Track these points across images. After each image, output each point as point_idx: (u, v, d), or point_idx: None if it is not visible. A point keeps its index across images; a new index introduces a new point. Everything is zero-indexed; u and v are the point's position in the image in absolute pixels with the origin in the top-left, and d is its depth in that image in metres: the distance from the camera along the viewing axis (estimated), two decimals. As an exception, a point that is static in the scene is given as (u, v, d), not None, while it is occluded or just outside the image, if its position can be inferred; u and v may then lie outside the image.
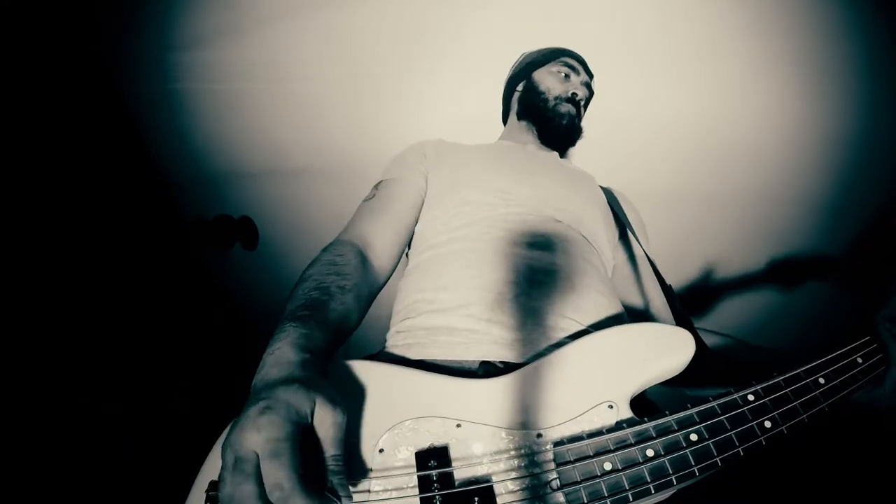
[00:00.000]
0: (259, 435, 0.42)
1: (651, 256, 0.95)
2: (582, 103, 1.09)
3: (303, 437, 0.45)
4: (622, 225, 0.98)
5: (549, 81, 1.09)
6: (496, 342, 0.65)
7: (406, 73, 1.47)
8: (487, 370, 0.63)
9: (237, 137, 1.70)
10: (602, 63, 1.20)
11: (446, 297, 0.71)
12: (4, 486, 1.20)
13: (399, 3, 1.37)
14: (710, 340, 0.77)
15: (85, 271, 1.54)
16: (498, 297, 0.69)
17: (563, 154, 1.11)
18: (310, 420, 0.46)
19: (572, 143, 1.12)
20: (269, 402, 0.44)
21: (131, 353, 1.63)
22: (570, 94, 1.06)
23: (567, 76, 1.10)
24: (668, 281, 0.85)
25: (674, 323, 0.80)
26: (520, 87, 1.15)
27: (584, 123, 1.12)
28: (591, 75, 1.15)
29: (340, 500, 0.46)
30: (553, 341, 0.65)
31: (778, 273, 1.56)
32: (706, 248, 1.59)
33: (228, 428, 0.46)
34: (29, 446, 1.29)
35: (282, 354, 0.51)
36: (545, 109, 1.07)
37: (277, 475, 0.41)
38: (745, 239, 1.55)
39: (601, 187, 1.05)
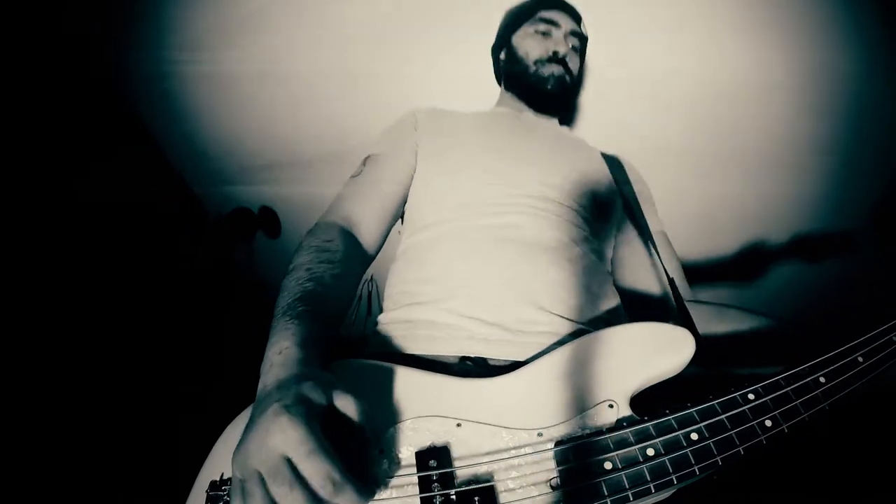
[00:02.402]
0: (285, 435, 0.41)
1: (662, 231, 0.92)
2: (568, 58, 0.99)
3: (328, 430, 0.44)
4: (626, 198, 0.93)
5: (528, 45, 1.01)
6: (472, 337, 0.65)
7: (405, 47, 1.41)
8: (463, 367, 0.62)
9: (242, 134, 1.69)
10: (601, 21, 1.15)
11: (428, 290, 0.71)
12: (8, 485, 1.20)
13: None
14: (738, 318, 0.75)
15: (100, 271, 1.55)
16: (477, 291, 0.68)
17: (563, 118, 1.05)
18: (329, 411, 0.46)
19: (565, 105, 1.06)
20: (285, 400, 0.43)
21: (136, 353, 1.63)
22: (550, 54, 0.98)
23: (546, 33, 1.00)
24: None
25: (674, 303, 0.78)
26: (502, 56, 1.09)
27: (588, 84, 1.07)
28: (578, 18, 1.05)
29: (386, 483, 0.46)
30: (532, 337, 0.65)
31: (801, 246, 1.54)
32: (726, 211, 1.56)
33: (242, 431, 0.45)
34: (34, 445, 1.29)
35: (289, 355, 0.51)
36: (526, 76, 0.99)
37: (324, 469, 0.40)
38: (763, 196, 1.51)
39: (607, 155, 0.99)
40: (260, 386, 0.50)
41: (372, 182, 0.84)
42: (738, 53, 1.29)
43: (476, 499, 0.47)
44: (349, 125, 1.57)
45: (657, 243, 0.88)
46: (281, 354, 0.51)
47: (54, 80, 1.44)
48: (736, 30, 1.27)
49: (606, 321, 0.73)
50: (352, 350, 0.73)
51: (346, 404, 0.46)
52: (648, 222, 0.91)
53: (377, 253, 0.83)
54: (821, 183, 1.48)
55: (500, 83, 1.14)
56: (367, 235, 0.79)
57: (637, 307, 0.89)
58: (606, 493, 0.47)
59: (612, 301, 0.77)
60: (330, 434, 0.44)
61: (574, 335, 0.66)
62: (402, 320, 0.71)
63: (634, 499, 0.47)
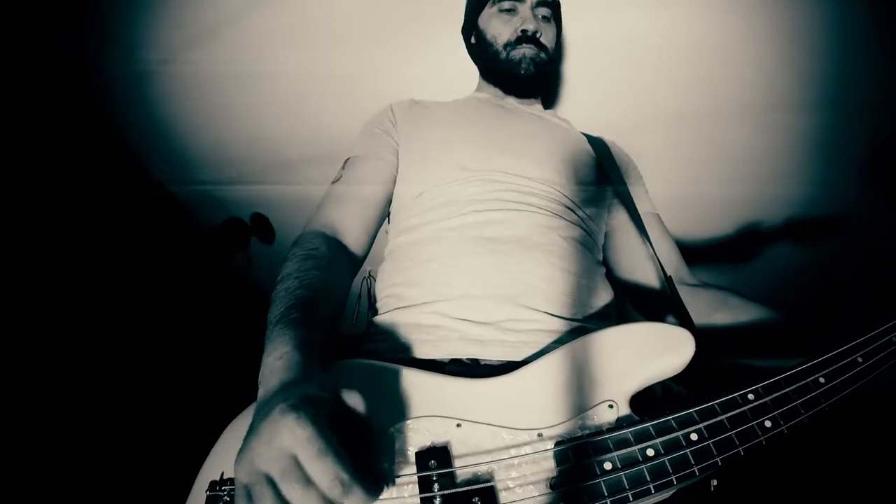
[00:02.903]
0: (294, 435, 0.40)
1: (654, 212, 0.90)
2: (539, 33, 0.93)
3: (335, 430, 0.43)
4: (615, 183, 0.91)
5: (494, 27, 0.95)
6: (464, 339, 0.65)
7: (390, 41, 1.38)
8: (453, 370, 0.62)
9: (228, 143, 1.69)
10: None
11: (414, 294, 0.71)
12: (9, 485, 1.20)
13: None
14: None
15: (107, 279, 1.56)
16: (463, 292, 0.68)
17: (546, 97, 1.02)
18: (334, 408, 0.45)
19: (545, 82, 1.02)
20: (291, 400, 0.42)
21: (137, 354, 1.63)
22: (519, 34, 0.92)
23: (511, 10, 0.95)
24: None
25: (665, 289, 0.77)
26: (472, 40, 1.04)
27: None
28: None
29: (393, 482, 0.46)
30: (523, 335, 0.65)
31: (794, 228, 1.54)
32: (720, 181, 1.53)
33: (241, 431, 0.44)
34: (35, 445, 1.29)
35: (290, 358, 0.50)
36: (497, 62, 0.94)
37: (332, 470, 0.39)
38: (756, 160, 1.48)
39: (592, 137, 0.96)
40: (260, 392, 0.49)
41: (353, 187, 0.83)
42: (721, 9, 1.26)
43: (476, 499, 0.47)
44: (338, 125, 1.55)
45: (649, 225, 0.86)
46: (281, 360, 0.50)
47: (32, 83, 1.43)
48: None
49: (598, 315, 0.72)
50: (351, 349, 0.73)
51: (354, 401, 0.46)
52: (639, 205, 0.89)
53: (366, 255, 0.82)
54: (808, 141, 1.44)
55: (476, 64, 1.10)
56: (353, 240, 0.78)
57: (635, 297, 0.87)
58: (606, 494, 0.47)
59: (603, 293, 0.76)
60: (337, 434, 0.43)
61: (570, 332, 0.66)
62: (390, 324, 0.71)
63: (634, 499, 0.47)
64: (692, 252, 1.60)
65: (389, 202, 0.87)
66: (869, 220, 1.48)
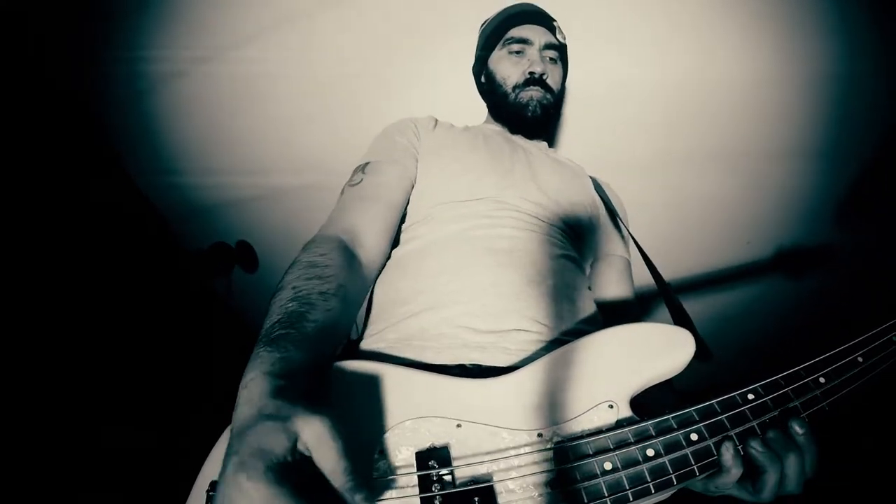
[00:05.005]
0: (250, 501, 0.37)
1: (626, 256, 0.96)
2: (546, 75, 0.96)
3: (299, 471, 0.40)
4: (613, 218, 0.96)
5: (503, 69, 0.98)
6: (468, 346, 0.65)
7: (384, 77, 1.43)
8: (459, 375, 0.61)
9: (221, 167, 1.70)
10: (585, 27, 1.18)
11: (420, 301, 0.70)
12: (10, 486, 1.20)
13: (377, 8, 1.32)
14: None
15: (100, 285, 1.56)
16: (468, 301, 0.68)
17: (551, 136, 1.06)
18: (295, 453, 0.41)
19: (548, 126, 1.04)
20: (241, 456, 0.39)
21: (136, 354, 1.63)
22: (527, 76, 0.95)
23: (520, 52, 0.97)
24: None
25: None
26: (482, 79, 1.06)
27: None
28: (552, 27, 1.00)
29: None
30: (525, 345, 0.66)
31: (784, 260, 1.56)
32: (706, 225, 1.58)
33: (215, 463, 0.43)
34: (36, 446, 1.29)
35: (254, 387, 0.45)
36: (506, 104, 0.97)
37: None
38: (744, 204, 1.53)
39: (592, 178, 1.02)
40: (231, 423, 0.45)
41: (375, 191, 0.79)
42: (725, 58, 1.30)
43: (476, 499, 0.47)
44: (325, 153, 1.58)
45: (622, 267, 0.92)
46: (246, 389, 0.46)
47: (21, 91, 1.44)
48: (724, 33, 1.27)
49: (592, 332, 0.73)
50: (351, 353, 0.73)
51: (312, 436, 0.41)
52: (617, 246, 0.95)
53: (381, 266, 0.78)
54: (805, 186, 1.49)
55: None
56: (371, 249, 0.74)
57: (611, 322, 0.92)
58: (606, 494, 0.47)
59: (594, 316, 0.78)
60: (308, 466, 0.41)
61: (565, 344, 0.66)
62: (393, 329, 0.70)
63: (634, 499, 0.47)
64: (685, 285, 1.65)
65: (405, 211, 0.85)
66: (853, 248, 1.52)
